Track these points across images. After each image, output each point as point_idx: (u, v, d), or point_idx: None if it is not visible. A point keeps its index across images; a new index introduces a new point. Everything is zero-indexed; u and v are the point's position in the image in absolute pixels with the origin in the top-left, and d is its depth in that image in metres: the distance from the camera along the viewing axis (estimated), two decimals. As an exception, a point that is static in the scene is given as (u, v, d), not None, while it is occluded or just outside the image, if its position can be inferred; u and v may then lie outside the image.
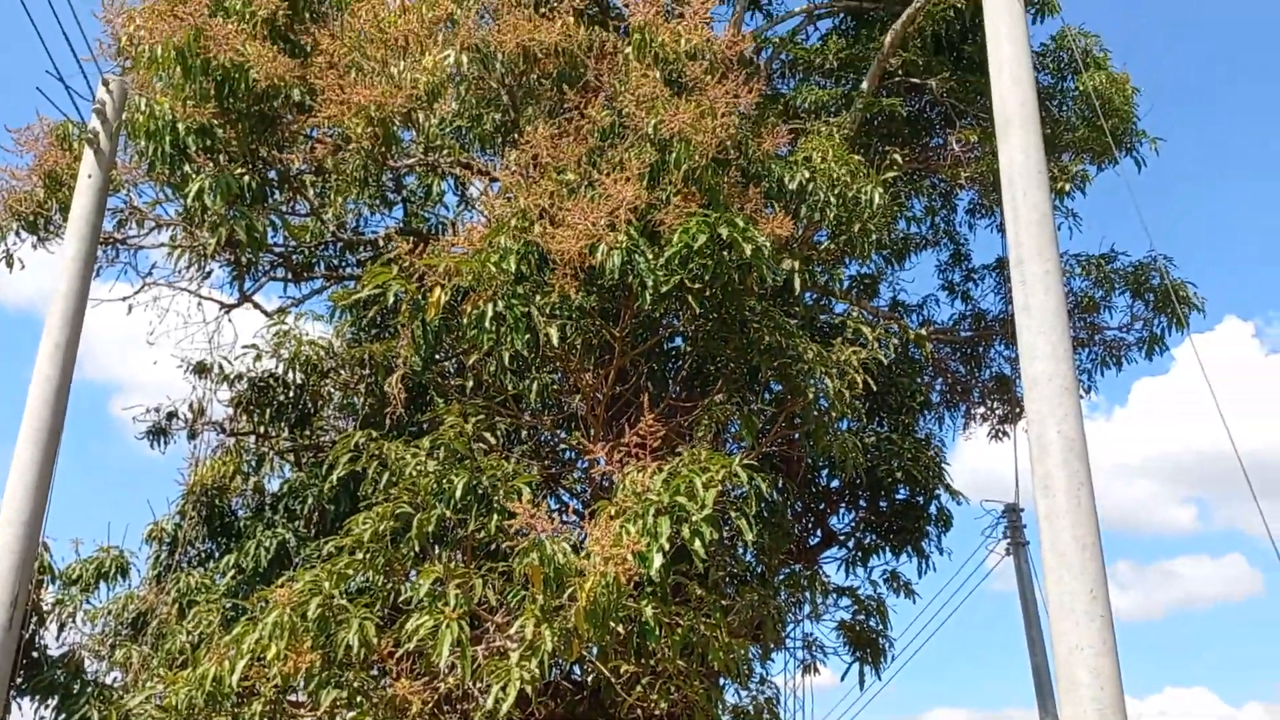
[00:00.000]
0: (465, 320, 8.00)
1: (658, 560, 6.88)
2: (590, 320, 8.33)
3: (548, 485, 9.38)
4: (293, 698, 8.57)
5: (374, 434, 8.48)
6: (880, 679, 13.85)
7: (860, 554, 14.43)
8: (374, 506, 7.91)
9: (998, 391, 18.06)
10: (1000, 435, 18.91)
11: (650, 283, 7.91)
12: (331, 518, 10.27)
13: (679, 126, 8.10)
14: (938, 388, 17.75)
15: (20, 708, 10.48)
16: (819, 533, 14.61)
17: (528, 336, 7.82)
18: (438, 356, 9.08)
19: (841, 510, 14.78)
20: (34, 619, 10.96)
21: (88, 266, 9.41)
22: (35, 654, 10.96)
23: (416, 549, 7.79)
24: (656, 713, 9.16)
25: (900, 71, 13.66)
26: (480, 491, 7.58)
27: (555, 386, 8.84)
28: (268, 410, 12.37)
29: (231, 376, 12.14)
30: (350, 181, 9.15)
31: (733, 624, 8.34)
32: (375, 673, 8.05)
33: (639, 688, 7.92)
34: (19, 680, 10.67)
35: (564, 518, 7.39)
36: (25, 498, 8.68)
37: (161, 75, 9.04)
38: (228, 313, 11.87)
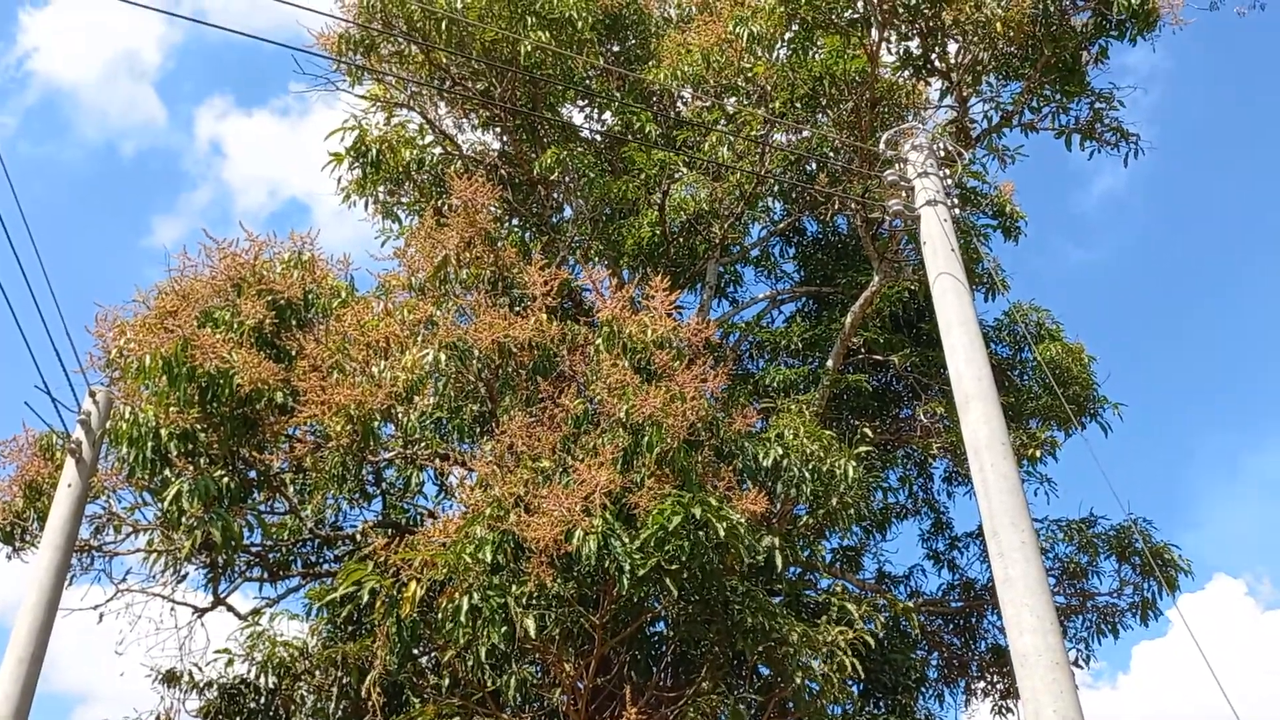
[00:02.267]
0: (441, 615, 7.86)
1: None
2: (569, 608, 8.20)
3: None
4: None
5: (347, 744, 8.10)
6: None
7: None
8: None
9: (996, 664, 17.51)
10: (1004, 711, 18.14)
11: (627, 566, 7.87)
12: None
13: (650, 411, 8.35)
14: (934, 662, 17.19)
15: None
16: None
17: (505, 629, 7.67)
18: (414, 653, 8.83)
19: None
20: None
21: (60, 577, 9.29)
22: None
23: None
24: None
25: (863, 349, 14.28)
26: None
27: (535, 680, 8.54)
28: (238, 719, 11.83)
29: (201, 684, 11.69)
30: (329, 478, 9.26)
31: None
32: None
33: None
34: None
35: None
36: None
37: (147, 383, 9.34)
38: (200, 617, 11.61)
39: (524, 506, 7.97)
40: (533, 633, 7.67)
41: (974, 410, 7.09)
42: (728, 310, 16.23)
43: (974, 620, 17.51)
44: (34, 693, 8.73)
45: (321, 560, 12.45)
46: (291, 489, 11.46)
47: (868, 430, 11.98)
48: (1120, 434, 15.44)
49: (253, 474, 9.74)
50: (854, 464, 11.08)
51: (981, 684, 17.66)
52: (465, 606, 7.64)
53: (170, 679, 11.68)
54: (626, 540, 8.03)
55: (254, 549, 12.03)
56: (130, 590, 11.37)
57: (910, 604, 12.74)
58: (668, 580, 8.04)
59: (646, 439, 8.43)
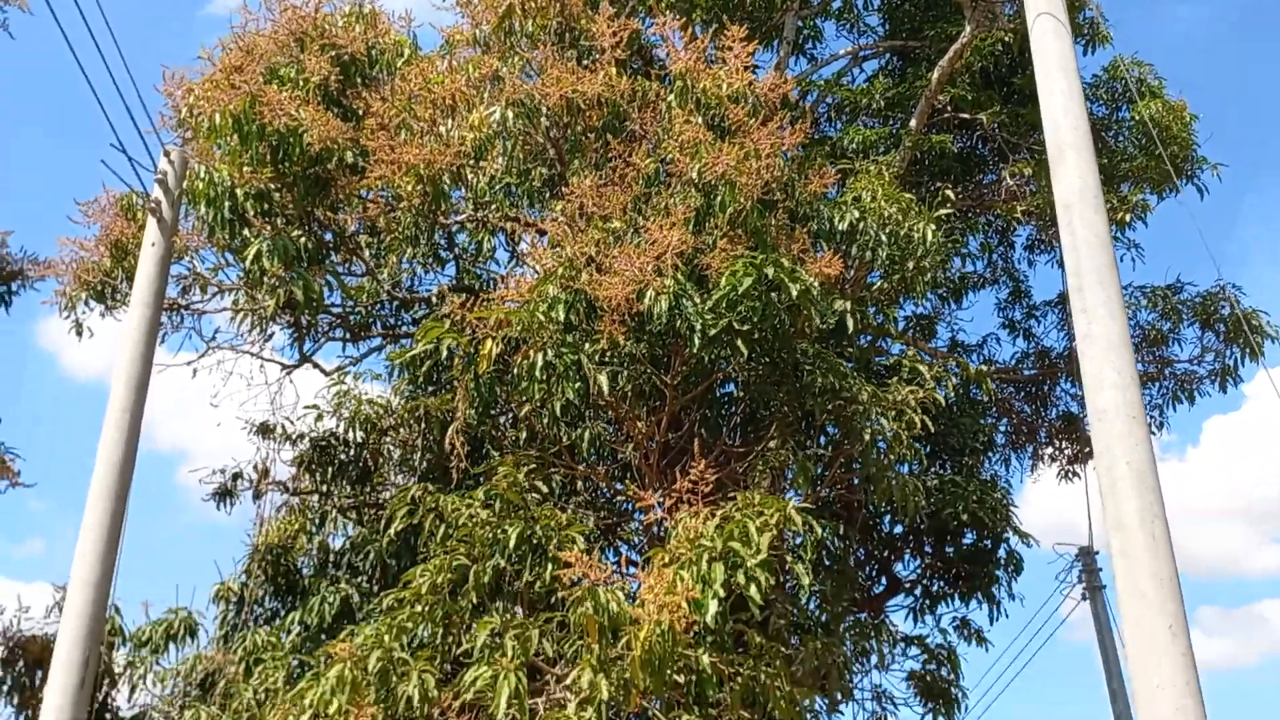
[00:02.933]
0: (516, 372, 8.03)
1: (713, 607, 6.76)
2: (640, 367, 8.31)
3: (604, 536, 9.32)
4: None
5: (430, 488, 8.52)
6: (954, 731, 13.39)
7: (928, 601, 14.03)
8: (431, 559, 7.91)
9: (1065, 431, 17.59)
10: (1070, 476, 18.35)
11: (698, 326, 7.88)
12: (393, 572, 10.30)
13: (723, 169, 8.12)
14: (1002, 429, 17.34)
15: (93, 770, 10.58)
16: (884, 580, 14.27)
17: (578, 385, 7.82)
18: (492, 410, 9.12)
19: (906, 557, 14.42)
20: (106, 681, 11.15)
21: (152, 332, 9.66)
22: (108, 716, 11.12)
23: (474, 601, 7.76)
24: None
25: (949, 108, 13.59)
26: (534, 542, 7.55)
27: (608, 436, 8.79)
28: (329, 469, 12.52)
29: (294, 436, 12.34)
30: (403, 239, 9.30)
31: (796, 674, 8.13)
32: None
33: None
34: (93, 743, 10.81)
35: (619, 568, 7.31)
36: (94, 561, 8.85)
37: (220, 143, 9.33)
38: (288, 374, 12.10)
39: (595, 266, 7.94)
40: (605, 389, 7.82)
41: (1068, 161, 6.72)
42: (806, 68, 15.46)
43: (1046, 388, 17.49)
44: (137, 443, 9.28)
45: (400, 323, 12.75)
46: (368, 252, 11.60)
47: (949, 193, 11.54)
48: (1218, 196, 14.72)
49: (329, 236, 9.83)
50: (933, 228, 10.77)
51: (1049, 450, 17.86)
52: (540, 363, 7.78)
53: (264, 431, 12.34)
54: (698, 300, 8.00)
55: (335, 310, 12.36)
56: (220, 348, 11.84)
57: (983, 368, 12.68)
58: (738, 341, 8.06)
59: (719, 199, 8.23)
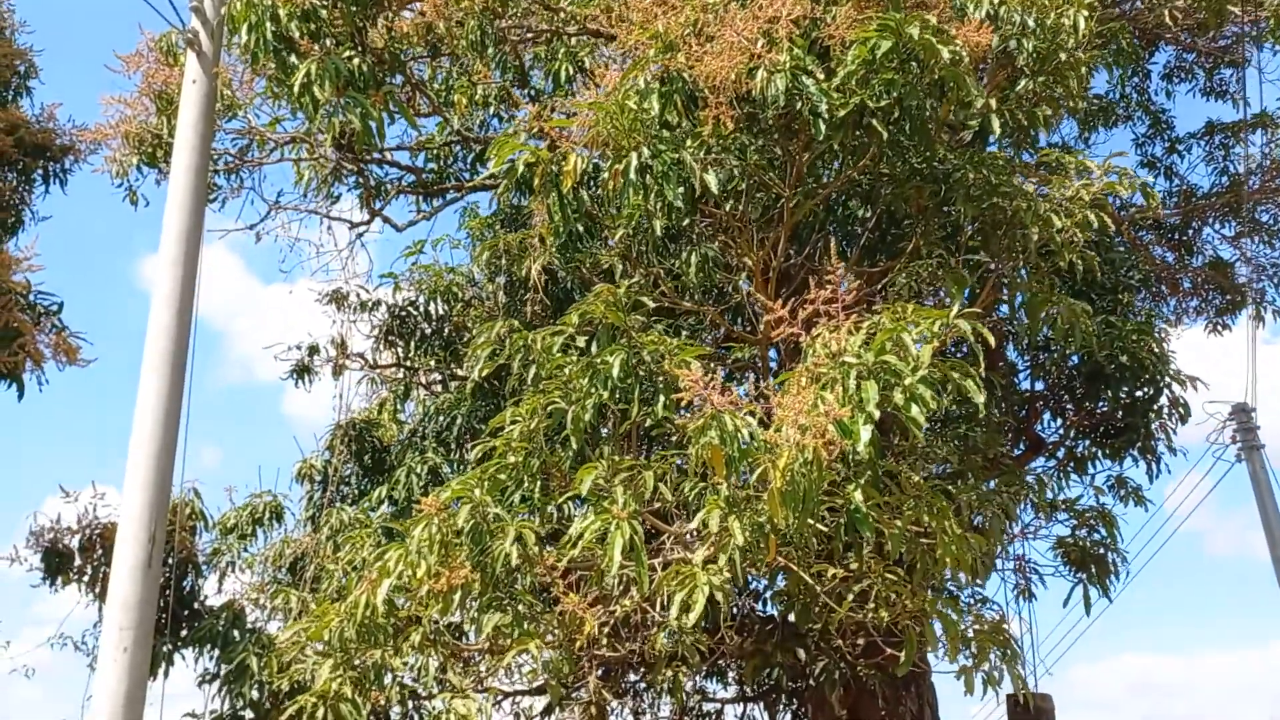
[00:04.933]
0: (607, 178, 6.76)
1: (865, 433, 5.50)
2: (755, 160, 6.95)
3: (719, 361, 8.10)
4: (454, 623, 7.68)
5: (516, 324, 7.39)
6: (1110, 600, 12.08)
7: (1073, 464, 12.58)
8: (522, 403, 6.81)
9: (1214, 279, 15.73)
10: (1219, 329, 16.51)
11: (824, 108, 6.48)
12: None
13: (846, -85, 6.59)
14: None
15: (184, 658, 10.01)
16: (1023, 442, 12.85)
17: (681, 189, 6.52)
18: (579, 241, 7.90)
19: (1045, 417, 12.97)
20: (190, 569, 10.51)
21: (200, 178, 8.64)
22: (196, 605, 10.51)
23: (575, 447, 6.65)
24: (861, 640, 7.82)
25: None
26: (641, 371, 6.36)
27: (717, 259, 7.49)
28: (411, 341, 11.59)
29: (370, 304, 11.39)
30: (467, 46, 8.02)
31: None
32: (540, 593, 7.03)
33: (846, 603, 6.59)
34: (181, 632, 10.22)
35: (743, 393, 6.09)
36: (155, 430, 7.98)
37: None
38: (359, 236, 11.07)
39: (693, 40, 6.55)
40: (714, 187, 6.50)
41: None
42: None
43: (1191, 233, 15.68)
44: (192, 295, 8.34)
45: (475, 174, 11.58)
46: (431, 89, 10.41)
47: (1102, -30, 9.72)
48: None
49: (385, 56, 8.60)
50: (1085, 14, 9.07)
51: (1194, 302, 16.08)
52: (634, 163, 6.49)
53: (338, 300, 11.40)
54: (821, 77, 6.58)
55: (403, 163, 11.26)
56: (285, 208, 10.85)
57: (1148, 180, 10.96)
58: (874, 123, 6.63)
59: (842, -48, 6.73)
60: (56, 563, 10.23)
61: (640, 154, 6.55)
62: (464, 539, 6.55)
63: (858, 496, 5.75)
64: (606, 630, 7.10)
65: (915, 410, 5.60)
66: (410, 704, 8.41)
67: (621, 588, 6.84)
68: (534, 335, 7.09)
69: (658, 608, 7.15)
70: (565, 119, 7.19)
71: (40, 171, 11.77)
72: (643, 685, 9.65)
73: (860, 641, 7.80)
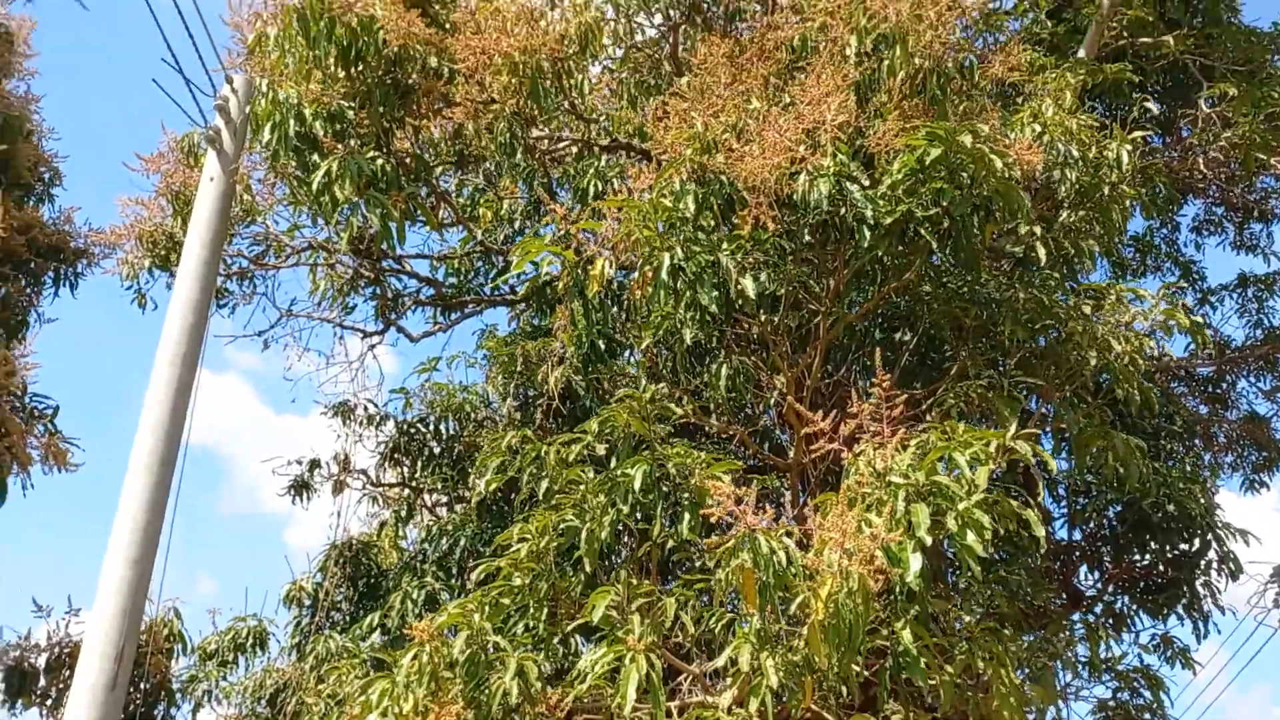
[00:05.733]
0: (638, 282, 6.34)
1: (915, 562, 4.89)
2: (794, 269, 6.53)
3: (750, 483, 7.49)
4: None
5: (528, 434, 6.86)
6: (1157, 769, 11.05)
7: (1111, 620, 11.75)
8: (532, 520, 6.22)
9: (1250, 434, 15.15)
10: (1256, 486, 15.81)
11: (869, 214, 6.10)
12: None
13: (894, 21, 6.36)
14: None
15: (146, 797, 9.13)
16: (1062, 594, 12.04)
17: (716, 293, 6.09)
18: (603, 350, 7.46)
19: (1081, 570, 12.21)
20: (163, 695, 9.71)
21: (208, 276, 8.31)
22: (167, 736, 9.67)
23: (587, 569, 6.01)
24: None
25: (1125, 33, 11.61)
26: (665, 486, 5.78)
27: (748, 372, 6.98)
28: (417, 460, 11.06)
29: (377, 419, 10.91)
30: (496, 147, 7.77)
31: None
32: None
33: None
34: (148, 766, 9.36)
35: (778, 511, 5.49)
36: (134, 535, 7.39)
37: (286, 51, 8.00)
38: (372, 347, 10.65)
39: (733, 142, 6.23)
40: (751, 292, 6.05)
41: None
42: None
43: (1225, 387, 15.23)
44: (189, 397, 7.88)
45: (497, 291, 11.26)
46: (457, 200, 10.19)
47: (1151, 105, 9.54)
48: None
49: (408, 160, 8.36)
50: (1128, 149, 8.83)
51: (1229, 457, 15.45)
52: (667, 264, 6.08)
53: (344, 412, 10.92)
54: (866, 183, 6.24)
55: (422, 276, 10.96)
56: (296, 315, 10.48)
57: (1198, 319, 10.51)
58: (922, 232, 6.24)
59: (888, 62, 6.48)
60: (19, 683, 9.46)
61: (674, 255, 6.15)
62: (458, 671, 5.86)
63: (906, 636, 5.08)
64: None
65: (971, 538, 4.99)
66: None
67: (633, 731, 6.08)
68: (548, 447, 6.54)
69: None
70: (593, 221, 6.84)
71: (51, 274, 11.54)
72: None
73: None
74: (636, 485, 5.63)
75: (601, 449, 6.09)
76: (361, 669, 8.16)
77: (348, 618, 9.92)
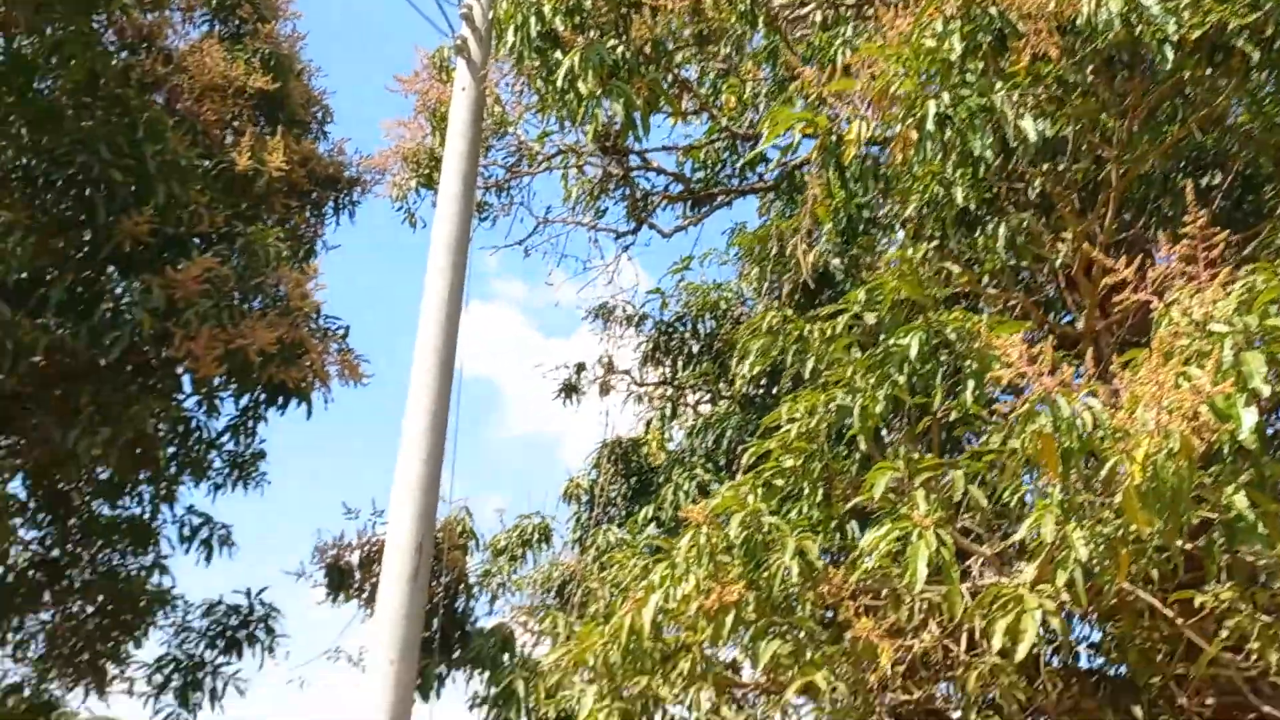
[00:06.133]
0: (897, 141, 5.84)
1: (1249, 416, 4.23)
2: (1081, 105, 5.80)
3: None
4: (727, 655, 6.88)
5: (789, 313, 6.58)
6: None
7: None
8: (799, 399, 5.96)
9: None
10: None
11: (1171, 29, 5.27)
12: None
13: None
14: None
15: (454, 681, 9.84)
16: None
17: (990, 140, 5.49)
18: (861, 222, 7.01)
19: None
20: (462, 589, 10.37)
21: (468, 184, 8.52)
22: (467, 627, 10.35)
23: (862, 448, 5.71)
24: (1211, 699, 6.28)
25: None
26: (943, 355, 5.34)
27: (1031, 228, 6.32)
28: (677, 359, 11.08)
29: (636, 319, 10.99)
30: (737, 15, 7.39)
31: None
32: (822, 620, 6.10)
33: (1216, 644, 5.20)
34: (453, 653, 10.06)
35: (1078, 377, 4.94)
36: (422, 436, 7.80)
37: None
38: (626, 249, 10.68)
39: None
40: (1032, 135, 5.42)
41: None
42: None
43: None
44: (460, 297, 8.17)
45: (745, 180, 10.96)
46: (699, 90, 9.89)
47: None
48: None
49: (647, 48, 8.14)
50: None
51: None
52: (932, 112, 5.54)
53: (604, 315, 11.08)
54: (1165, -5, 5.39)
55: (670, 171, 10.81)
56: (552, 221, 10.65)
57: None
58: (1237, 46, 5.34)
59: None
60: (338, 579, 10.39)
61: (939, 102, 5.60)
62: (735, 553, 5.76)
63: (1239, 500, 4.45)
64: (901, 669, 6.05)
65: (1317, 389, 4.27)
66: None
67: (921, 617, 5.79)
68: (810, 325, 6.24)
69: (963, 645, 6.04)
70: (847, 79, 6.35)
71: (331, 204, 12.31)
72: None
73: (1210, 700, 6.28)
74: (912, 354, 5.23)
75: (871, 318, 5.71)
76: (640, 558, 8.32)
77: (623, 513, 10.16)
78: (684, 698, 7.01)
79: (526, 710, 8.67)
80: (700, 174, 10.72)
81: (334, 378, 10.17)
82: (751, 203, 11.16)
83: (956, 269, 5.84)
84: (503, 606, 10.55)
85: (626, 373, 11.03)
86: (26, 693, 11.06)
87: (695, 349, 11.15)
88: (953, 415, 5.43)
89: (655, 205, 10.35)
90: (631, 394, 11.19)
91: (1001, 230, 6.25)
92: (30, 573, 10.35)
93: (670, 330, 11.02)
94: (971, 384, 5.15)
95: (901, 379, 5.25)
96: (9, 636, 10.60)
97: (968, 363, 5.26)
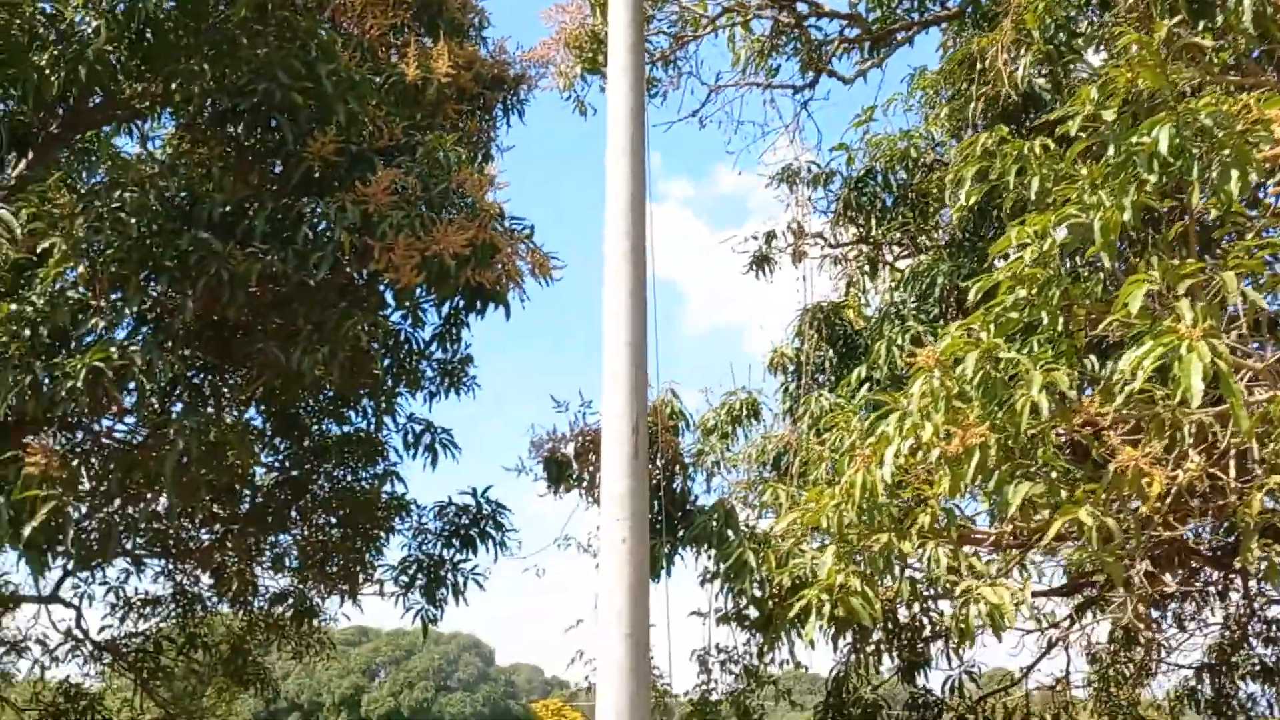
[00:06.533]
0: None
1: None
2: None
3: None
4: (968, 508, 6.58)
5: (1005, 133, 6.00)
6: None
7: None
8: (1026, 224, 5.46)
9: None
10: None
11: None
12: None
13: None
14: None
15: (683, 559, 9.91)
16: None
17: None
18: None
19: None
20: (678, 469, 10.38)
21: (636, 44, 8.19)
22: (688, 506, 10.38)
23: (1106, 265, 5.18)
24: None
25: None
26: (1197, 147, 4.71)
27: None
28: (871, 215, 10.52)
29: (823, 178, 10.48)
30: None
31: None
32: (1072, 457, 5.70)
33: None
34: (678, 532, 10.14)
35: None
36: (624, 321, 7.66)
37: None
38: (804, 104, 10.14)
39: None
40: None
41: None
42: None
43: None
44: (644, 174, 7.93)
45: (926, 13, 10.15)
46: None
47: None
48: None
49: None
50: None
51: None
52: None
53: (789, 178, 10.62)
54: None
55: (843, 14, 10.13)
56: (724, 87, 10.21)
57: None
58: None
59: None
60: (556, 470, 10.57)
61: None
62: (974, 393, 5.40)
63: None
64: (1168, 502, 5.58)
65: None
66: (925, 599, 7.48)
67: (1190, 442, 5.29)
68: (1031, 140, 5.67)
69: (1232, 472, 5.52)
70: None
71: (500, 106, 12.23)
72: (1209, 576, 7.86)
73: None
74: (1163, 147, 4.63)
75: (1109, 115, 5.10)
76: (859, 419, 8.05)
77: (831, 378, 9.86)
78: (923, 552, 6.78)
79: (760, 581, 8.64)
80: (876, 12, 10.00)
81: (526, 276, 10.21)
82: (933, 40, 10.36)
83: (1209, 43, 5.11)
84: (720, 484, 10.54)
85: (819, 235, 10.58)
86: (290, 600, 11.97)
87: (889, 202, 10.57)
88: (1211, 215, 4.82)
89: (831, 53, 9.73)
90: (826, 257, 10.77)
91: (1247, 3, 5.44)
92: (276, 492, 11.07)
93: (860, 186, 10.46)
94: (1235, 174, 4.52)
95: (1152, 178, 4.67)
96: (268, 552, 11.44)
97: (1226, 153, 4.62)
